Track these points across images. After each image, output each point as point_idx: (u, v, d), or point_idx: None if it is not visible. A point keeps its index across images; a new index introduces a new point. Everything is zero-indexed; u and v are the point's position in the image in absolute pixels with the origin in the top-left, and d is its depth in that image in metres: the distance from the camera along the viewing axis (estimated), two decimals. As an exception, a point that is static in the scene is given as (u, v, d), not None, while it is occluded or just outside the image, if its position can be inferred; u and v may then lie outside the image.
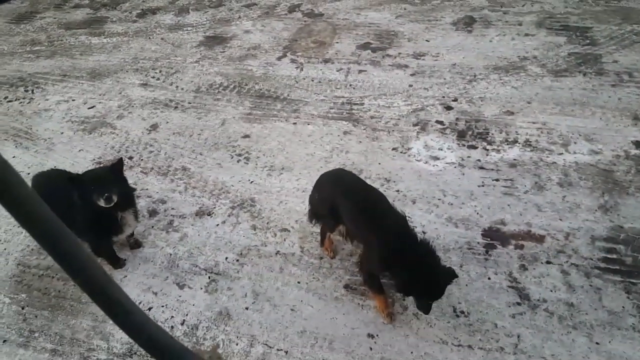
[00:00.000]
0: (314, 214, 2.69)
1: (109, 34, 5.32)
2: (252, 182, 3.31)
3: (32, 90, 4.46)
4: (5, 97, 4.47)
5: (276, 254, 2.82)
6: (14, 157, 3.77)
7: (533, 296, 2.50)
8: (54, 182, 2.75)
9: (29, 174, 3.56)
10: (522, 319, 2.40)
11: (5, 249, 3.03)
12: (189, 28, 5.19)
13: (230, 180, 3.33)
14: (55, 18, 5.81)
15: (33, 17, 5.85)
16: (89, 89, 4.45)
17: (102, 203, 2.41)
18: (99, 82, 4.55)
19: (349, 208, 2.41)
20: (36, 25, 5.68)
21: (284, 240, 2.89)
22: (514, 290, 2.53)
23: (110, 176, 2.49)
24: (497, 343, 2.30)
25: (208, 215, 3.10)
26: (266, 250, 2.85)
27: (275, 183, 3.29)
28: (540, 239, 2.76)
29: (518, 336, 2.34)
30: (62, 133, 3.91)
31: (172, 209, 3.17)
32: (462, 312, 2.47)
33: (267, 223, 3.01)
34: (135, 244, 2.92)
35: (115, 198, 2.42)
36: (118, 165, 2.56)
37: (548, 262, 2.64)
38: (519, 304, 2.47)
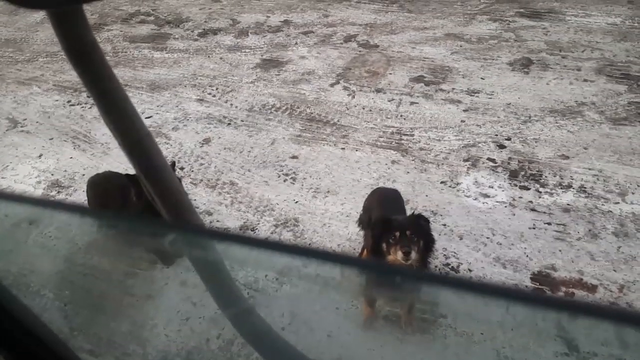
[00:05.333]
0: (360, 220, 2.79)
1: (171, 50, 5.57)
2: (297, 202, 3.34)
3: (96, 97, 4.70)
4: (69, 101, 4.72)
5: (316, 276, 2.80)
6: (71, 157, 3.95)
7: (582, 348, 2.37)
8: (110, 182, 2.88)
9: (84, 175, 3.72)
10: (571, 371, 2.28)
11: (54, 245, 3.15)
12: (247, 50, 5.38)
13: (276, 199, 3.37)
14: (121, 31, 6.14)
15: (101, 29, 6.20)
16: (147, 100, 4.65)
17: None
18: (157, 94, 4.74)
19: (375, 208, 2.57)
20: (103, 37, 6.01)
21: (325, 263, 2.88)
22: (562, 340, 2.41)
23: None
24: (544, 394, 2.18)
25: (252, 230, 3.13)
26: (306, 272, 2.82)
27: (319, 205, 3.30)
28: (592, 289, 2.64)
29: (565, 390, 2.22)
30: (119, 139, 4.08)
31: (218, 221, 3.22)
32: (506, 357, 2.37)
33: (309, 244, 3.01)
34: None
35: None
36: (171, 167, 2.65)
37: (600, 315, 2.52)
38: (567, 354, 2.35)
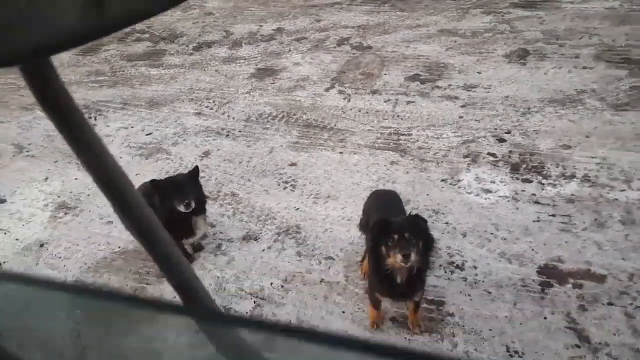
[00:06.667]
0: (361, 224, 2.76)
1: (167, 66, 5.60)
2: (297, 209, 3.32)
3: (95, 117, 4.74)
4: (71, 123, 4.74)
5: (321, 281, 2.79)
6: (76, 178, 3.97)
7: (593, 339, 2.33)
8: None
9: (89, 195, 3.75)
10: (583, 364, 2.23)
11: (64, 266, 3.16)
12: (242, 61, 5.40)
13: (277, 207, 3.36)
14: (118, 50, 6.20)
15: (98, 50, 6.27)
16: (146, 117, 4.67)
17: (182, 208, 2.63)
18: (156, 110, 4.77)
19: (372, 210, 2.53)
20: (100, 57, 6.08)
21: (329, 268, 2.86)
22: (572, 332, 2.37)
23: (189, 183, 2.73)
24: (556, 390, 2.14)
25: (254, 240, 3.12)
26: (311, 278, 2.82)
27: (320, 211, 3.28)
28: (601, 279, 2.58)
29: (579, 383, 2.17)
30: (121, 157, 4.10)
31: (221, 232, 3.22)
32: (516, 352, 2.33)
33: (312, 250, 2.99)
34: (198, 246, 3.09)
35: (193, 204, 2.64)
36: (195, 172, 2.80)
37: (610, 304, 2.47)
38: (578, 346, 2.30)
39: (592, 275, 2.60)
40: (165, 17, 6.96)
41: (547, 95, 4.01)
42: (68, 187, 3.88)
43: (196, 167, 2.83)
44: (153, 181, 2.70)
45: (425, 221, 2.17)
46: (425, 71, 4.60)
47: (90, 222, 3.48)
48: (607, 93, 3.94)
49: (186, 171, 3.79)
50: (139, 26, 6.74)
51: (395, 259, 2.02)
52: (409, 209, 3.18)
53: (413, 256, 1.98)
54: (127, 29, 6.70)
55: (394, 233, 2.03)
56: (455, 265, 2.78)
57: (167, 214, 2.65)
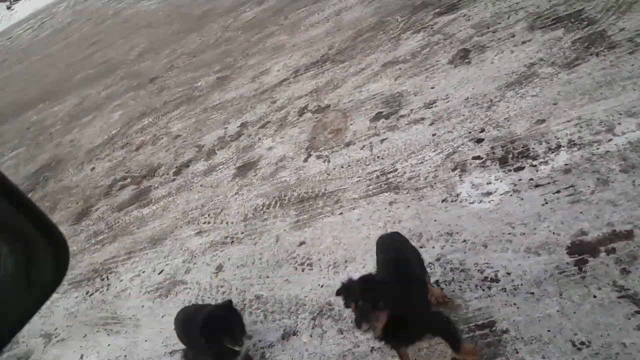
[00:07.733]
0: None
1: (156, 200, 5.78)
2: (322, 285, 3.32)
3: (107, 277, 4.83)
4: (87, 292, 4.83)
5: (372, 350, 2.75)
6: (109, 345, 4.00)
7: (652, 297, 2.26)
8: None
9: (126, 356, 3.76)
10: (652, 328, 2.15)
11: None
12: (221, 167, 5.57)
13: (302, 292, 3.35)
14: (107, 205, 6.40)
15: (89, 212, 6.48)
16: (153, 257, 4.76)
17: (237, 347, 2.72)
18: (160, 246, 4.87)
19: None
20: (94, 218, 6.27)
21: (373, 333, 2.81)
22: (626, 300, 2.30)
23: (230, 316, 2.83)
24: (637, 365, 2.05)
25: (294, 335, 3.09)
26: (361, 351, 2.78)
27: (344, 279, 3.27)
28: (629, 235, 2.54)
29: (656, 349, 2.08)
30: (142, 306, 4.14)
31: (260, 340, 3.20)
32: (583, 343, 2.25)
33: (351, 322, 2.95)
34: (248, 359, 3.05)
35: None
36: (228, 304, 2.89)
37: (650, 256, 2.41)
38: (638, 312, 2.23)
39: (619, 235, 2.56)
40: (139, 156, 7.25)
41: (502, 81, 4.11)
42: (104, 357, 3.90)
43: (229, 301, 2.92)
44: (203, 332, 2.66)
45: (372, 278, 2.19)
46: (385, 106, 4.73)
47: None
48: (554, 56, 4.04)
49: (207, 294, 3.85)
50: (118, 174, 7.01)
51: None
52: (422, 241, 3.19)
53: (365, 325, 1.90)
54: (109, 182, 6.97)
55: (352, 303, 2.01)
56: (489, 279, 2.74)
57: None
